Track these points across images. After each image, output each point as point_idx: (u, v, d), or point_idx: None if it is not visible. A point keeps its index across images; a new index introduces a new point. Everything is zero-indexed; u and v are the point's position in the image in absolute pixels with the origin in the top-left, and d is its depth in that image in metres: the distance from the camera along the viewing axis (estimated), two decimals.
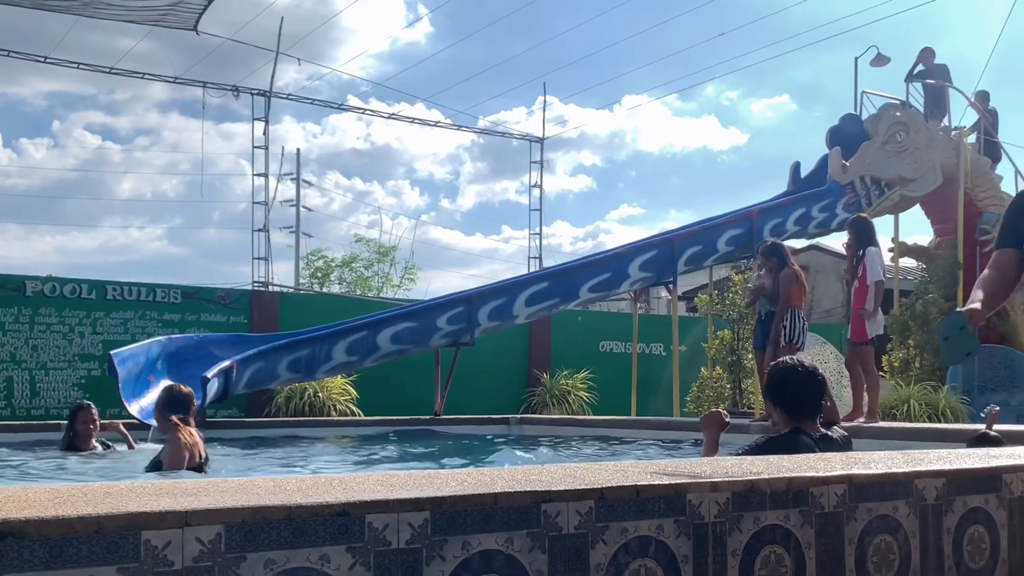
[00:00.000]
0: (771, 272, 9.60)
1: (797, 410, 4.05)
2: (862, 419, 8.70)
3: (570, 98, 75.53)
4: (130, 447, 8.26)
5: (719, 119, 67.00)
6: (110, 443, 8.17)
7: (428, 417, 11.58)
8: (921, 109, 14.32)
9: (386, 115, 24.87)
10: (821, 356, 10.93)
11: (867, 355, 9.22)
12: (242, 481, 2.36)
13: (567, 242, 64.96)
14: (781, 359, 4.43)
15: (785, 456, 3.46)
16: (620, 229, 65.26)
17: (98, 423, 8.03)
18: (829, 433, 4.12)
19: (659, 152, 67.77)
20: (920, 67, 14.61)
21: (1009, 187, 14.36)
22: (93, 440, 7.92)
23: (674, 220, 71.20)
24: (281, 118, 62.67)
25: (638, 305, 15.33)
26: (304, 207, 33.25)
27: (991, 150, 14.42)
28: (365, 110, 26.58)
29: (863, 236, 9.37)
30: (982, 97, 14.63)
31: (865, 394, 9.12)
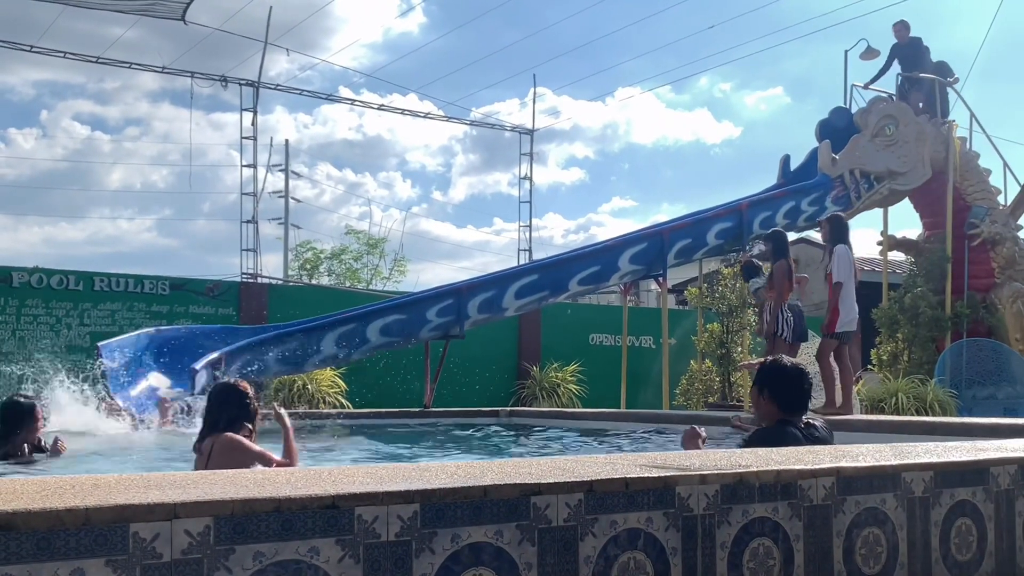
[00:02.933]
0: (766, 258, 9.72)
1: (789, 403, 4.15)
2: (833, 411, 8.78)
3: (563, 89, 75.60)
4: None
5: (712, 112, 67.06)
6: (47, 446, 6.46)
7: (418, 410, 11.58)
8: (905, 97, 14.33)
9: (376, 106, 24.86)
10: (810, 349, 10.93)
11: (827, 348, 9.36)
12: (231, 473, 2.36)
13: (559, 234, 64.97)
14: (776, 356, 4.59)
15: (773, 449, 3.47)
16: (612, 222, 65.32)
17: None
18: (813, 421, 4.22)
19: (652, 145, 67.81)
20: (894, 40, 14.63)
21: (997, 180, 14.43)
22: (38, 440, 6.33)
23: (666, 213, 71.22)
24: (272, 108, 62.46)
25: (628, 298, 15.34)
26: (293, 199, 33.18)
27: (917, 84, 14.31)
28: (355, 101, 26.43)
29: (834, 233, 9.53)
30: (902, 27, 14.54)
31: (838, 385, 9.26)
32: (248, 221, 18.67)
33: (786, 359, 4.50)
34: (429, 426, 10.75)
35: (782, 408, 4.17)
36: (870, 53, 14.77)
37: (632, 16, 58.23)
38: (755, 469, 2.55)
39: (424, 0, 52.00)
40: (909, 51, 14.49)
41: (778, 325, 9.43)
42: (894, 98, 14.36)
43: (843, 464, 2.75)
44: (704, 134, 65.54)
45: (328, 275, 36.39)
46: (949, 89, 14.53)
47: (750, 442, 4.05)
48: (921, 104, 14.23)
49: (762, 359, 4.79)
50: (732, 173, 66.03)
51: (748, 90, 67.83)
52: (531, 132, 22.61)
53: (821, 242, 10.12)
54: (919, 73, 14.29)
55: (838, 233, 9.50)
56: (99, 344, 10.33)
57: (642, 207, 66.14)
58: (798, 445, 3.84)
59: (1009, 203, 14.30)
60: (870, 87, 14.69)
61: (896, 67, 14.60)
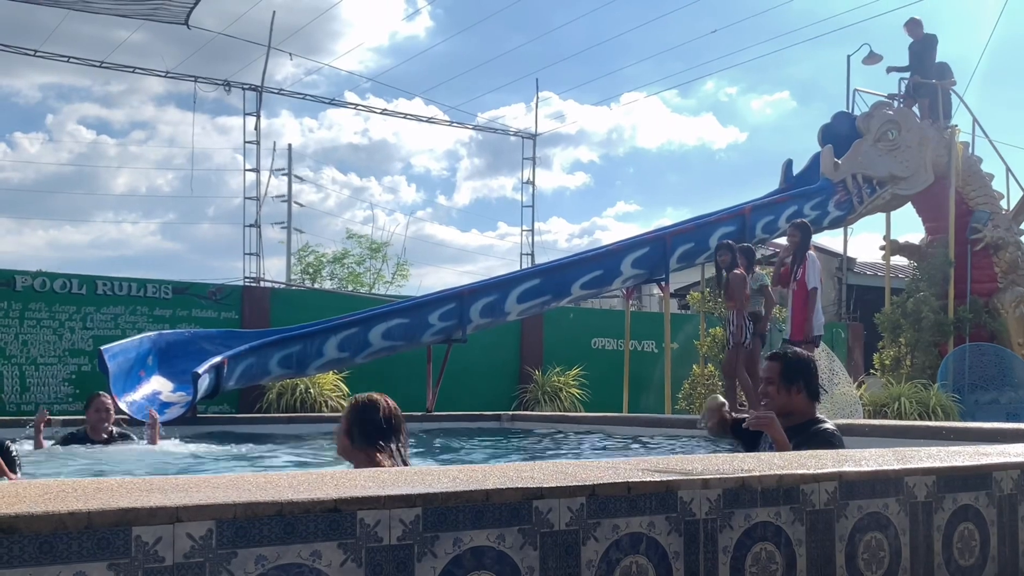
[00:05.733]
0: (726, 267, 10.17)
1: (815, 393, 4.25)
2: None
3: (568, 93, 75.40)
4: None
5: (718, 117, 66.84)
6: (129, 433, 8.08)
7: (420, 413, 11.58)
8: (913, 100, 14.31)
9: (379, 111, 24.85)
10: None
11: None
12: (233, 477, 2.36)
13: (563, 238, 64.89)
14: (795, 349, 4.60)
15: (776, 453, 3.47)
16: (616, 226, 65.13)
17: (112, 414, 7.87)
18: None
19: (657, 149, 67.68)
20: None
21: (1000, 185, 14.42)
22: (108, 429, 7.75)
23: (671, 217, 71.00)
24: (278, 112, 62.39)
25: (630, 302, 15.34)
26: (297, 203, 33.12)
27: (922, 88, 14.32)
28: (357, 105, 26.53)
29: (805, 241, 9.88)
30: (915, 24, 14.53)
31: None
32: (251, 225, 18.71)
33: (802, 350, 4.59)
34: (431, 429, 10.74)
35: (810, 399, 4.20)
36: (873, 58, 14.77)
37: (637, 20, 58.18)
38: (757, 473, 2.55)
39: (430, 4, 52.07)
40: (920, 48, 14.48)
41: (744, 333, 9.73)
42: (899, 100, 14.36)
43: (846, 469, 2.75)
44: (710, 138, 65.49)
45: (330, 279, 36.38)
46: (952, 93, 14.53)
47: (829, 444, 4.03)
48: (916, 108, 14.23)
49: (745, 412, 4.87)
50: (738, 178, 65.88)
51: (754, 94, 67.72)
52: (534, 137, 22.63)
53: (789, 247, 10.30)
54: (920, 78, 14.28)
55: (808, 240, 9.85)
56: (102, 348, 10.34)
57: (647, 211, 66.03)
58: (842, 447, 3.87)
59: (1012, 208, 14.29)
60: (872, 92, 14.69)
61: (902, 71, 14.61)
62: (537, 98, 23.60)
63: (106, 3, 15.72)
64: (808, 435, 4.03)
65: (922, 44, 14.46)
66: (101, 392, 8.19)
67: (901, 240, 14.99)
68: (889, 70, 14.72)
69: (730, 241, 10.85)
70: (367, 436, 4.02)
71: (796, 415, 4.15)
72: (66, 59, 18.06)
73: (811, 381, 4.22)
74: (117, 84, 55.86)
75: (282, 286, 19.79)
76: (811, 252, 9.85)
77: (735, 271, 9.96)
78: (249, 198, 18.89)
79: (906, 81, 14.45)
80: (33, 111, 56.22)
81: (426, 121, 24.27)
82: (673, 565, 2.36)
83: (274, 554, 1.84)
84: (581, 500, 2.22)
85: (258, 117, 18.78)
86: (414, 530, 1.99)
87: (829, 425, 4.12)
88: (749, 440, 4.39)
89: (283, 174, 30.63)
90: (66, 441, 7.66)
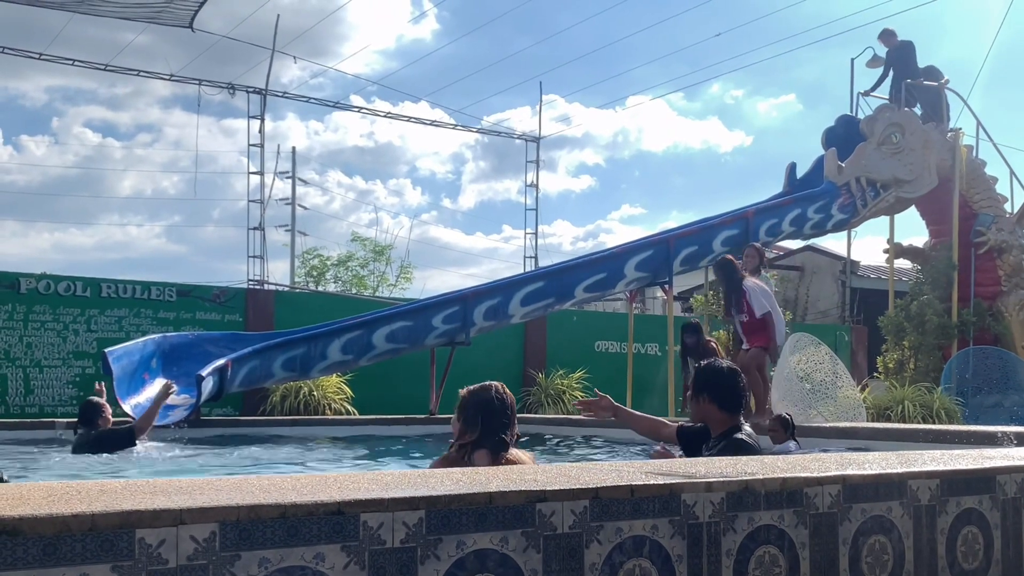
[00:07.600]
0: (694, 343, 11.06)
1: (726, 402, 4.19)
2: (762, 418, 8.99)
3: (574, 96, 75.33)
4: None
5: (724, 120, 66.89)
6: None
7: (423, 416, 11.57)
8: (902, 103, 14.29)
9: (383, 113, 24.84)
10: (816, 357, 10.90)
11: (763, 359, 9.72)
12: (237, 480, 2.36)
13: (567, 241, 65.03)
14: (708, 360, 4.61)
15: (779, 456, 3.47)
16: (621, 229, 65.22)
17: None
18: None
19: (663, 152, 67.69)
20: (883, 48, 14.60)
21: (1004, 188, 14.41)
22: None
23: (675, 220, 70.92)
24: (284, 115, 62.70)
25: (633, 305, 15.32)
26: (302, 206, 33.23)
27: (913, 91, 14.27)
28: (361, 108, 26.52)
29: (730, 276, 9.85)
30: (888, 34, 14.51)
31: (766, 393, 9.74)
32: (255, 228, 18.74)
33: (720, 361, 4.60)
34: (434, 432, 10.74)
35: (722, 409, 4.16)
36: (876, 61, 14.76)
37: (643, 22, 58.33)
38: (761, 477, 2.55)
39: (437, 6, 52.12)
40: (898, 55, 14.47)
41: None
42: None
43: (849, 472, 2.74)
44: (715, 141, 65.49)
45: (334, 282, 36.40)
46: (954, 97, 14.52)
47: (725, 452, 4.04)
48: (918, 109, 14.21)
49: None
50: (743, 181, 65.93)
51: (760, 97, 67.73)
52: (538, 140, 22.64)
53: (745, 269, 10.22)
54: (910, 80, 14.25)
55: (731, 274, 9.88)
56: (106, 350, 10.34)
57: (651, 214, 66.08)
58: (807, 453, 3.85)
59: (1015, 211, 14.27)
60: (872, 95, 14.69)
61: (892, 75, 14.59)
62: (542, 101, 23.63)
63: (111, 6, 15.76)
64: (726, 443, 4.08)
65: (899, 51, 14.43)
66: (94, 398, 8.05)
67: (905, 243, 14.97)
68: (864, 94, 14.70)
69: (697, 323, 11.59)
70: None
71: (714, 424, 4.20)
72: (71, 62, 18.12)
73: (719, 392, 4.19)
74: (122, 87, 56.07)
75: (286, 289, 19.80)
76: (749, 282, 9.66)
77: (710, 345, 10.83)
78: (253, 201, 18.93)
79: (900, 88, 14.40)
80: (39, 114, 56.45)
81: (431, 124, 24.35)
82: (676, 568, 2.36)
83: (277, 556, 1.84)
84: (584, 503, 2.22)
85: (262, 120, 18.83)
86: (417, 533, 1.99)
87: (742, 435, 4.13)
88: (689, 445, 4.40)
89: (287, 177, 30.71)
90: (77, 451, 7.54)
